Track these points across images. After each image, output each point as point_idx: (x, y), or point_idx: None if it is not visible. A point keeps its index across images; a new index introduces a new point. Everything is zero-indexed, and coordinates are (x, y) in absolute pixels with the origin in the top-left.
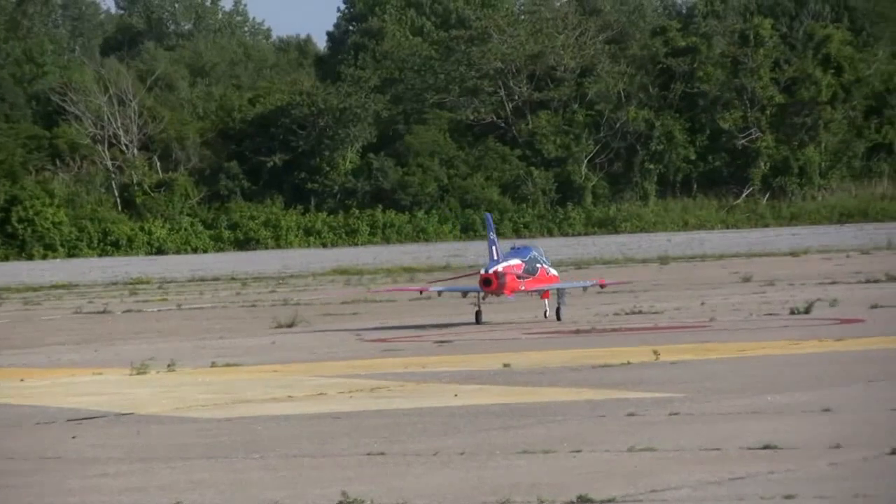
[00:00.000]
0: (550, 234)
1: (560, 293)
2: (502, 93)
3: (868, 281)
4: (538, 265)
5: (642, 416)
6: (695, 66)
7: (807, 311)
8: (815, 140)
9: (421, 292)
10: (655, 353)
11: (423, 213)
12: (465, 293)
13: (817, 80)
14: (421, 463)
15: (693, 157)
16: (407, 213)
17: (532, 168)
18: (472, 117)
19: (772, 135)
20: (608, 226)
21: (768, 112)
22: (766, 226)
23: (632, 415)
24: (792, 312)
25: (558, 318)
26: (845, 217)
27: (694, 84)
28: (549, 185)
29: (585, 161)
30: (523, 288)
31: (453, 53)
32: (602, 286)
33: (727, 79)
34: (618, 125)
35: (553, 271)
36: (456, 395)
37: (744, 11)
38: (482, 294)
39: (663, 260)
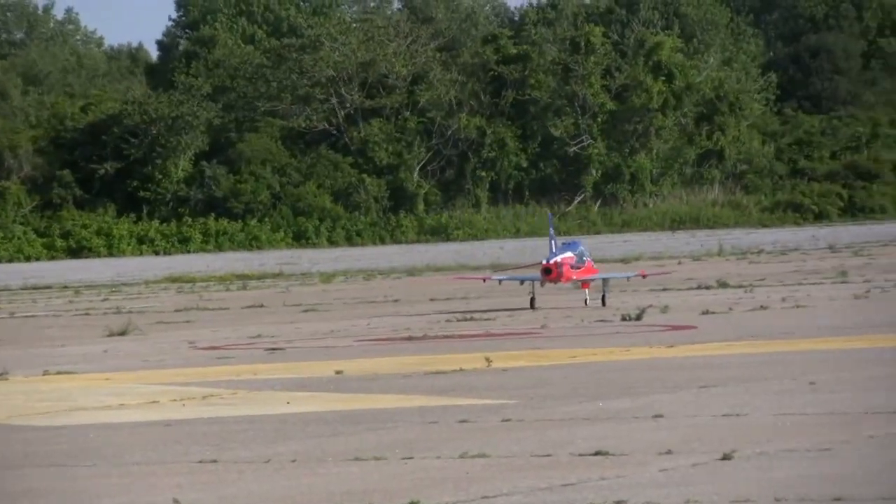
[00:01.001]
0: (383, 241)
1: (605, 283)
2: (334, 100)
3: (699, 287)
4: (585, 258)
5: (474, 423)
6: (526, 73)
7: (638, 317)
8: (646, 147)
9: (484, 281)
10: (487, 359)
11: (255, 221)
12: (522, 281)
13: (648, 88)
14: (253, 470)
15: (525, 164)
16: (239, 220)
17: (364, 176)
18: (304, 125)
19: (603, 142)
20: (441, 233)
21: (599, 119)
22: (598, 233)
23: (464, 421)
24: (623, 319)
25: (603, 305)
26: (677, 224)
27: (525, 91)
28: (382, 192)
29: (417, 168)
30: (575, 277)
31: (285, 61)
32: (644, 276)
33: (558, 86)
34: (449, 132)
35: (594, 265)
36: (288, 403)
37: (575, 19)
38: (542, 281)
39: (495, 267)
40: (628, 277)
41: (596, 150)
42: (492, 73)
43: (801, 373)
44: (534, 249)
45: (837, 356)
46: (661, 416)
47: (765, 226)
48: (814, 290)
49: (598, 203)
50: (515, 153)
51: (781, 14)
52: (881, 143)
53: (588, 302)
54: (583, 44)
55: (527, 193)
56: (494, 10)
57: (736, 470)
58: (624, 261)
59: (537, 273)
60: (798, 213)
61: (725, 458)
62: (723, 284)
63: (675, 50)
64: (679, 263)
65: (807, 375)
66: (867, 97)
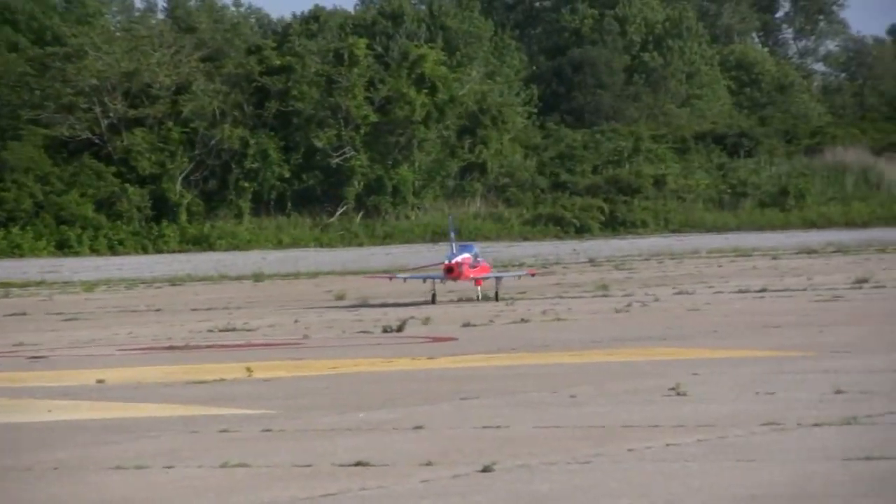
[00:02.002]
0: (145, 251)
1: (497, 281)
2: (98, 109)
3: (461, 300)
4: (479, 259)
5: (235, 433)
6: (290, 84)
7: (399, 329)
8: (408, 159)
9: (390, 279)
10: (248, 369)
11: (18, 230)
12: (425, 279)
13: (411, 100)
14: (13, 479)
15: (287, 175)
16: (2, 229)
17: (127, 185)
18: (67, 134)
19: (366, 154)
20: (203, 243)
21: (362, 131)
22: (361, 244)
23: (225, 431)
24: (385, 330)
25: (497, 300)
26: (438, 236)
27: (289, 103)
28: (144, 202)
29: (180, 178)
30: (472, 276)
31: (49, 70)
32: (532, 275)
33: (322, 98)
34: (212, 143)
35: (487, 264)
36: (50, 411)
37: (339, 31)
38: (443, 280)
39: (258, 277)
40: (518, 276)
41: (359, 162)
42: (255, 84)
43: (562, 385)
44: (296, 260)
45: (598, 369)
46: (421, 427)
47: (526, 239)
48: (574, 303)
49: (360, 215)
50: (278, 164)
51: (545, 28)
52: (643, 157)
53: (479, 297)
54: (346, 56)
55: (289, 205)
56: (259, 22)
57: (496, 482)
58: (386, 272)
59: (438, 272)
60: (559, 226)
61: (486, 469)
62: (485, 297)
63: (438, 63)
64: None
65: (567, 388)
66: (630, 112)
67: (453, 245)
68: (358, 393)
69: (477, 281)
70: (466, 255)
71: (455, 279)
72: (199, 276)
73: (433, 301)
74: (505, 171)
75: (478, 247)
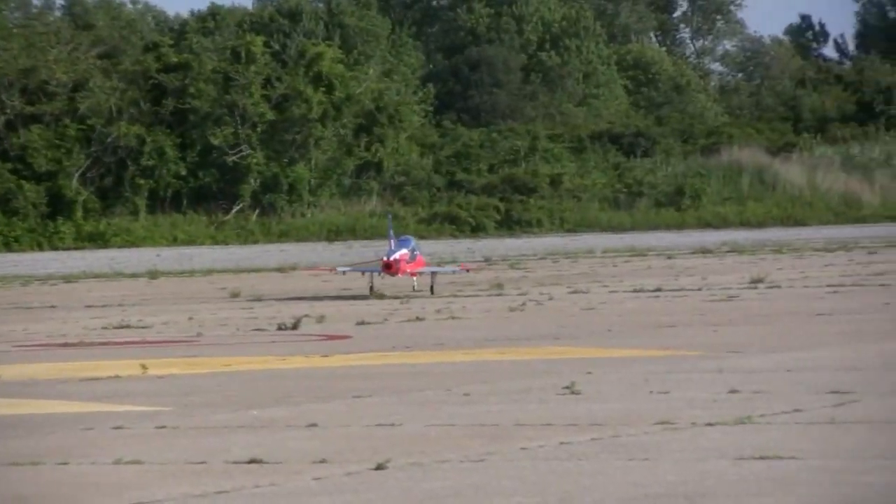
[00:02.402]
0: (41, 247)
1: (433, 275)
2: None
3: (354, 297)
4: (416, 253)
5: (129, 430)
6: (186, 82)
7: (294, 326)
8: (305, 157)
9: (332, 271)
10: (143, 366)
11: None
12: (364, 273)
13: (308, 98)
14: None
15: (184, 172)
16: None
17: (23, 182)
18: None
19: (262, 151)
20: (98, 240)
21: (259, 129)
22: (256, 242)
23: (119, 428)
24: (280, 328)
25: (432, 293)
26: (334, 234)
27: (185, 100)
28: (40, 198)
29: (77, 175)
30: (409, 270)
31: None
32: (467, 270)
33: (219, 95)
34: (109, 140)
35: (424, 258)
36: None
37: (236, 28)
38: (381, 275)
39: (153, 275)
40: (453, 272)
41: (255, 160)
42: (152, 81)
43: (456, 384)
44: (191, 258)
45: (492, 368)
46: (315, 425)
47: (422, 237)
48: (469, 302)
49: (256, 212)
50: (175, 162)
51: (442, 27)
52: (539, 156)
53: (416, 287)
54: (243, 53)
55: (185, 202)
56: (155, 19)
57: (389, 479)
58: (280, 270)
59: (376, 266)
60: (455, 225)
61: (379, 467)
62: (379, 295)
63: (335, 61)
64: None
65: (461, 387)
66: (526, 111)
67: (392, 242)
68: (252, 390)
69: (412, 273)
70: (404, 250)
71: (393, 274)
72: (95, 273)
73: (371, 293)
74: (401, 169)
75: (414, 240)
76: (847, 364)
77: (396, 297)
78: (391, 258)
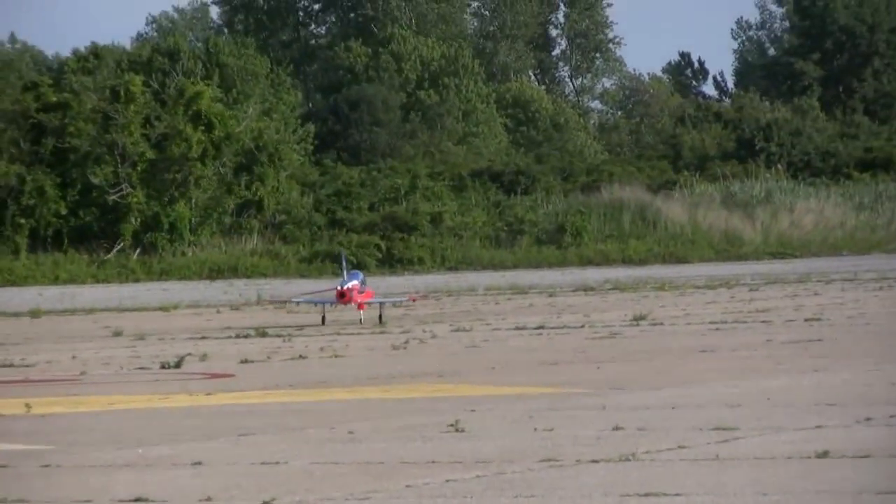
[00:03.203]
0: None
1: (381, 305)
2: None
3: (238, 336)
4: (364, 286)
5: (13, 469)
6: (66, 121)
7: (178, 365)
8: (185, 196)
9: (285, 303)
10: (27, 405)
11: None
12: (317, 304)
13: (188, 137)
14: None
15: (64, 211)
16: None
17: None
18: None
19: (143, 190)
20: None
21: (139, 168)
22: (138, 281)
23: (4, 466)
24: (163, 367)
25: (381, 322)
26: (215, 273)
27: (65, 139)
28: None
29: None
30: (360, 300)
31: None
32: (413, 301)
33: (99, 134)
34: None
35: (371, 291)
36: None
37: (115, 67)
38: (334, 304)
39: (34, 313)
40: (401, 302)
41: (136, 199)
42: (32, 120)
43: (340, 422)
44: (73, 297)
45: (376, 405)
46: (200, 463)
47: (303, 276)
48: (352, 340)
49: (137, 251)
50: (55, 201)
51: (321, 65)
52: (419, 195)
53: (362, 321)
54: (123, 92)
55: (66, 241)
56: (34, 59)
57: None
58: (163, 309)
59: (330, 296)
60: (336, 263)
61: None
62: (262, 333)
63: (214, 100)
64: (218, 312)
65: (345, 424)
66: (406, 149)
67: (345, 273)
68: (136, 429)
69: (360, 305)
70: (355, 281)
71: (346, 304)
72: None
73: (323, 323)
74: (282, 208)
75: (363, 274)
76: (731, 400)
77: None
78: (345, 287)
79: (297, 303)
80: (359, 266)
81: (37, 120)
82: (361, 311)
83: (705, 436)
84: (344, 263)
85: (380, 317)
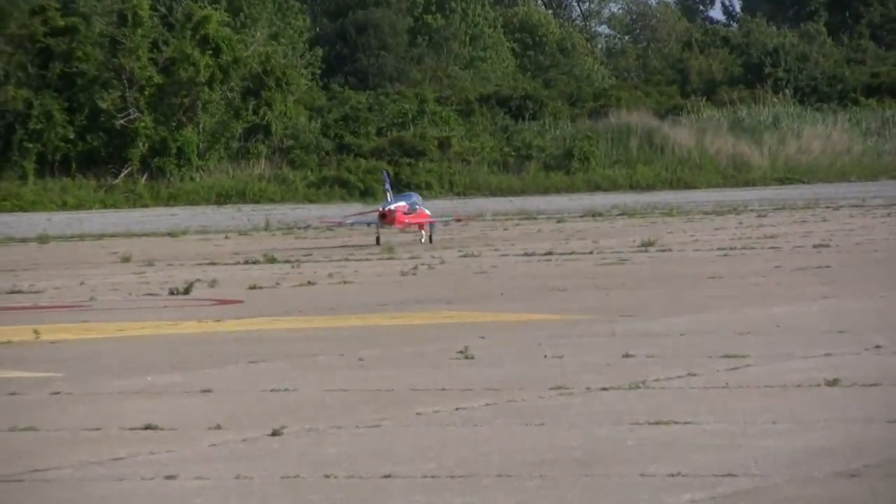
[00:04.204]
0: None
1: (431, 227)
2: None
3: (246, 262)
4: (417, 207)
5: (24, 396)
6: (74, 45)
7: (186, 291)
8: (193, 121)
9: (339, 223)
10: (36, 332)
11: None
12: (368, 224)
13: (196, 61)
14: None
15: (72, 136)
16: None
17: None
18: None
19: (150, 115)
20: None
21: (147, 92)
22: (146, 206)
23: (13, 394)
24: (171, 293)
25: (430, 242)
26: (223, 198)
27: (73, 64)
28: None
29: None
30: (407, 221)
31: None
32: (458, 221)
33: (106, 58)
34: None
35: (427, 212)
36: None
37: None
38: (379, 225)
39: (42, 239)
40: (448, 221)
41: (143, 124)
42: (39, 44)
43: (349, 349)
44: (80, 222)
45: (385, 332)
46: (210, 390)
47: (311, 201)
48: (361, 266)
49: (144, 176)
50: (62, 125)
51: None
52: (427, 120)
53: (423, 240)
54: (130, 17)
55: (74, 166)
56: None
57: (285, 446)
58: (171, 234)
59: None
60: (345, 188)
61: (275, 433)
62: (270, 259)
63: (222, 24)
64: (226, 238)
65: (355, 352)
66: (414, 74)
67: (389, 194)
68: (145, 356)
69: (420, 226)
70: (402, 203)
71: (389, 224)
72: None
73: (377, 243)
74: (289, 133)
75: (417, 196)
76: (740, 328)
77: (405, 249)
78: (386, 209)
79: (351, 223)
80: (366, 192)
81: (44, 44)
82: (422, 231)
83: (715, 363)
84: (387, 184)
85: (430, 237)
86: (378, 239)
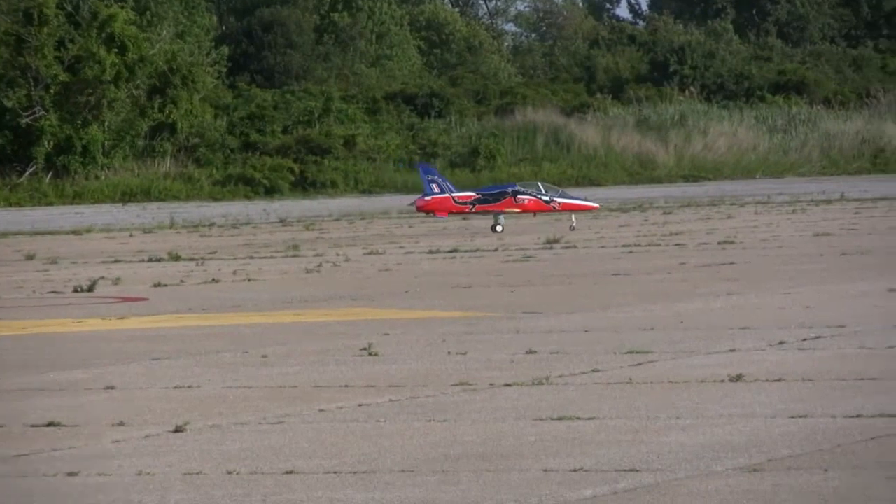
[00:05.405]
0: None
1: (495, 216)
2: None
3: (151, 260)
4: (505, 196)
5: None
6: None
7: (90, 289)
8: (98, 119)
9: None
10: None
11: None
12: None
13: (102, 59)
14: None
15: None
16: None
17: None
18: None
19: (56, 113)
20: None
21: (52, 90)
22: (51, 204)
23: None
24: (76, 290)
25: (493, 231)
26: (128, 196)
27: None
28: None
29: None
30: (455, 211)
31: None
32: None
33: (12, 57)
34: None
35: (559, 200)
36: None
37: None
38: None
39: None
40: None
41: (48, 122)
42: None
43: (253, 346)
44: None
45: (289, 329)
46: (113, 387)
47: (216, 199)
48: (265, 263)
49: (49, 175)
50: None
51: None
52: (333, 117)
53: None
54: (36, 15)
55: None
56: None
57: (188, 442)
58: (75, 232)
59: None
60: (250, 186)
61: (178, 430)
62: (174, 257)
63: (128, 22)
64: (131, 236)
65: (259, 348)
66: (320, 72)
67: (434, 185)
68: (49, 353)
69: (528, 207)
70: (442, 194)
71: (427, 213)
72: None
73: (494, 231)
74: (195, 131)
75: (535, 184)
76: (644, 324)
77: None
78: (418, 200)
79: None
80: (272, 189)
81: None
82: (571, 215)
83: (619, 359)
84: (423, 177)
85: (493, 226)
86: (494, 227)
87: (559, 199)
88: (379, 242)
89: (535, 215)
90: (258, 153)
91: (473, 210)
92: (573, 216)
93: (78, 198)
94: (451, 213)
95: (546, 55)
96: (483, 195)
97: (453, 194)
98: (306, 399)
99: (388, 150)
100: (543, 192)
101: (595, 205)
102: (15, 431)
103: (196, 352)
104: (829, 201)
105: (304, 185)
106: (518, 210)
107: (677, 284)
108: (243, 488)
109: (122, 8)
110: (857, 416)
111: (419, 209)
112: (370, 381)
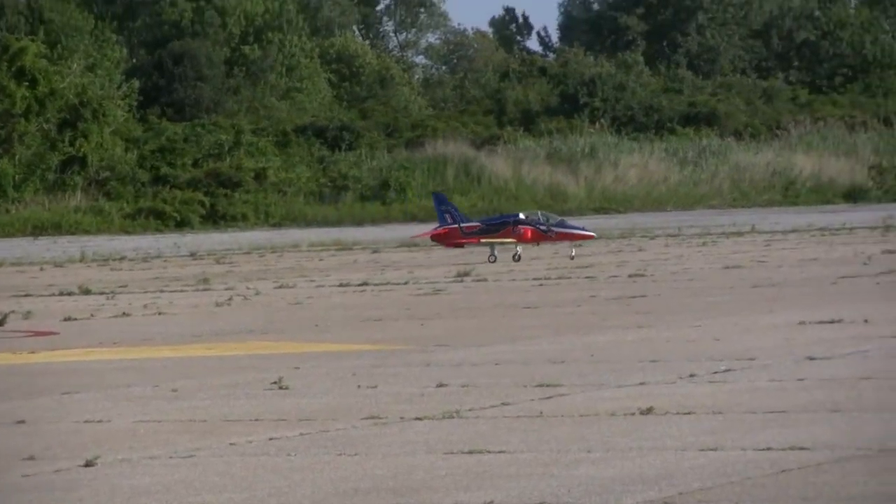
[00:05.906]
0: None
1: (491, 247)
2: None
3: (62, 294)
4: (506, 226)
5: None
6: None
7: (1, 323)
8: (9, 153)
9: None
10: None
11: None
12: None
13: (12, 93)
14: None
15: None
16: None
17: None
18: None
19: None
20: None
21: None
22: None
23: None
24: None
25: (514, 260)
26: (39, 230)
27: None
28: None
29: None
30: (462, 242)
31: None
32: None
33: None
34: None
35: (556, 229)
36: None
37: None
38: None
39: None
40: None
41: None
42: None
43: (163, 379)
44: None
45: (199, 363)
46: (23, 421)
47: (127, 232)
48: (176, 297)
49: None
50: None
51: (145, 21)
52: (244, 150)
53: (572, 255)
54: None
55: None
56: None
57: (98, 476)
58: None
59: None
60: (160, 219)
61: (88, 464)
62: (85, 291)
63: (38, 55)
64: (41, 269)
65: (169, 382)
66: (230, 105)
67: (448, 216)
68: None
69: (527, 235)
70: (452, 225)
71: (441, 244)
72: None
73: (514, 259)
74: (105, 164)
75: (535, 214)
76: (555, 357)
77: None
78: (430, 230)
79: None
80: (182, 223)
81: None
82: (570, 245)
83: (529, 392)
84: (437, 207)
85: (514, 255)
86: (514, 256)
87: (556, 229)
88: (289, 276)
89: (538, 244)
90: (169, 186)
91: (479, 241)
92: (573, 248)
93: None
94: (456, 245)
95: (456, 87)
96: (486, 225)
97: (462, 224)
98: (217, 433)
99: (298, 183)
100: (542, 221)
101: (591, 234)
102: None
103: (106, 385)
104: (739, 233)
105: (215, 219)
106: (515, 240)
107: (587, 317)
108: None
109: (33, 41)
110: (768, 448)
111: (432, 239)
112: (281, 414)
